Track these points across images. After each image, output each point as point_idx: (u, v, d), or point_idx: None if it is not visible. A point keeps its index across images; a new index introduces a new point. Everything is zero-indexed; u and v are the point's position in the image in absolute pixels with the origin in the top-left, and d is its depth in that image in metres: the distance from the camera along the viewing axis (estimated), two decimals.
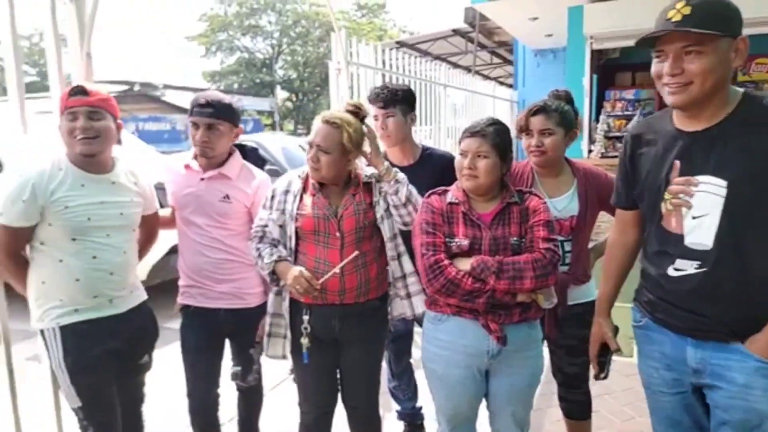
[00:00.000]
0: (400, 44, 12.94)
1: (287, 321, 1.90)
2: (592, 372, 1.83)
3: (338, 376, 2.00)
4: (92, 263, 1.79)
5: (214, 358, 2.17)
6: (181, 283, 2.15)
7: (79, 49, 2.15)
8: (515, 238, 1.71)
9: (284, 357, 1.94)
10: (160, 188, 2.15)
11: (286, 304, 1.91)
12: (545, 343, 1.96)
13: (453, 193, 1.79)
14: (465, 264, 1.67)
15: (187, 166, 2.12)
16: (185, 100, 24.78)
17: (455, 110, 6.75)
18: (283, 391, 2.89)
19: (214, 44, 30.66)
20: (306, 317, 1.86)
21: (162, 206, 2.18)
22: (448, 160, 2.41)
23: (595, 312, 1.75)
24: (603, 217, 2.13)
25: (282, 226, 1.90)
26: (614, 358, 1.78)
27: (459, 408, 1.79)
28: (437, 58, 11.64)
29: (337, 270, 1.80)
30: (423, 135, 5.74)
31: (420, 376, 2.67)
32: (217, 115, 2.01)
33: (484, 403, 1.84)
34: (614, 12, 6.91)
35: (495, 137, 1.72)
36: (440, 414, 1.83)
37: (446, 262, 1.67)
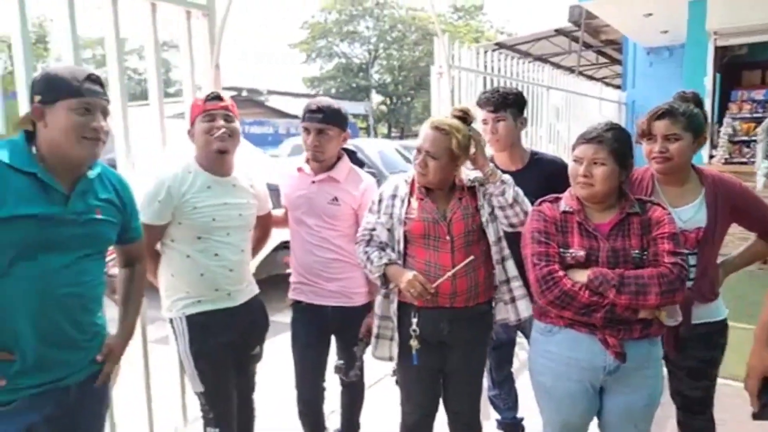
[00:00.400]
0: (499, 45, 12.70)
1: (395, 323, 1.93)
2: (717, 396, 1.67)
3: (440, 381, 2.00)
4: (214, 260, 1.93)
5: (321, 353, 2.26)
6: (292, 279, 2.27)
7: (209, 59, 2.34)
8: (637, 251, 1.61)
9: (391, 359, 1.97)
10: (273, 189, 2.28)
11: (394, 306, 1.93)
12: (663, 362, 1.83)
13: (566, 201, 1.72)
14: (581, 276, 1.60)
15: (299, 169, 2.23)
16: (287, 104, 26.10)
17: (558, 113, 6.49)
18: (383, 388, 2.94)
19: (314, 51, 31.92)
20: (415, 320, 1.87)
21: (275, 207, 2.31)
22: (559, 165, 2.33)
23: (754, 341, 1.54)
24: (733, 228, 1.95)
25: (390, 230, 1.93)
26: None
27: (569, 422, 1.72)
28: (538, 59, 11.29)
29: (451, 273, 1.80)
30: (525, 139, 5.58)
31: (521, 386, 2.63)
32: (326, 120, 2.10)
33: (594, 420, 1.76)
34: (741, 5, 6.30)
35: (613, 143, 1.63)
36: (549, 427, 1.78)
37: (561, 273, 1.61)
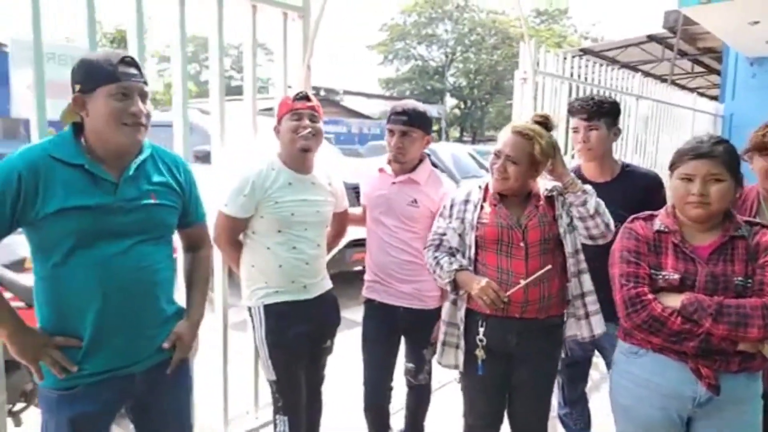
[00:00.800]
0: (584, 51, 12.25)
1: (461, 331, 1.90)
2: None
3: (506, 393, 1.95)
4: (293, 253, 1.99)
5: (390, 352, 2.28)
6: (366, 277, 2.30)
7: (301, 60, 2.42)
8: (740, 278, 1.49)
9: (456, 367, 1.94)
10: (348, 188, 2.32)
11: (461, 314, 1.90)
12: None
13: (661, 220, 1.62)
14: (673, 301, 1.50)
15: (381, 170, 2.26)
16: (361, 105, 26.52)
17: (646, 123, 6.17)
18: (449, 392, 2.93)
19: (391, 52, 32.24)
20: (482, 329, 1.84)
21: (352, 205, 2.36)
22: (652, 180, 2.23)
23: None
24: None
25: (461, 235, 1.90)
26: None
27: None
28: (626, 66, 10.78)
29: (525, 283, 1.75)
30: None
31: (594, 407, 2.53)
32: (410, 122, 2.12)
33: None
34: None
35: (726, 157, 1.52)
36: None
37: (650, 296, 1.52)
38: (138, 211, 1.46)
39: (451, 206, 1.96)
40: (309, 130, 1.95)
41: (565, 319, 1.92)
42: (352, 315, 2.41)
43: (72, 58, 1.81)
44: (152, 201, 1.49)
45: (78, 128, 1.44)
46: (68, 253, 1.37)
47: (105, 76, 1.38)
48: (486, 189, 1.92)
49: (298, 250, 2.00)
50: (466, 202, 1.92)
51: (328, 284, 2.16)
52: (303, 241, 2.01)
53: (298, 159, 2.00)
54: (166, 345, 1.54)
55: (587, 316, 1.87)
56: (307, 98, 2.00)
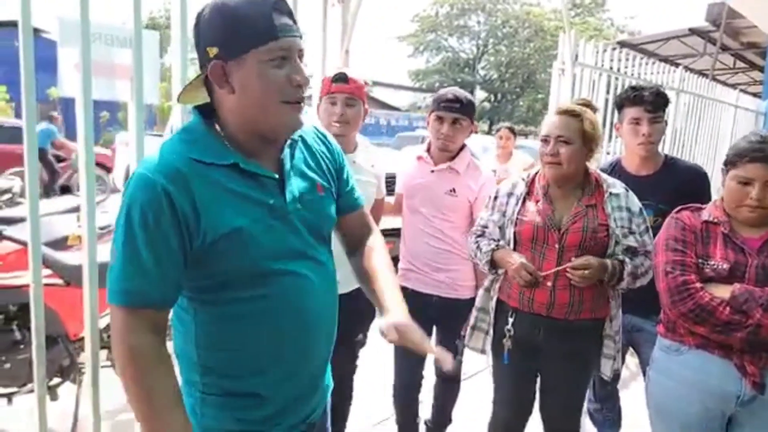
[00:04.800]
0: (622, 44, 11.94)
1: (491, 318, 1.91)
2: None
3: (536, 385, 1.94)
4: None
5: None
6: (401, 266, 2.30)
7: (340, 45, 2.43)
8: None
9: (483, 352, 1.94)
10: (390, 178, 2.31)
11: (492, 302, 1.90)
12: None
13: (710, 212, 1.59)
14: (723, 291, 1.47)
15: (419, 158, 2.25)
16: (390, 96, 26.47)
17: (686, 118, 6.01)
18: (478, 382, 2.92)
19: (422, 44, 32.00)
20: (511, 319, 1.83)
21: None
22: (695, 174, 2.17)
23: None
24: None
25: (501, 228, 1.87)
26: None
27: None
28: (665, 60, 10.49)
29: (561, 268, 1.70)
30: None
31: (625, 403, 2.49)
32: (462, 110, 2.09)
33: None
34: None
35: None
36: None
37: (698, 284, 1.49)
38: (313, 212, 1.12)
39: (495, 198, 1.93)
40: (339, 118, 1.91)
41: (604, 322, 1.81)
42: None
43: (117, 39, 1.84)
44: (320, 194, 1.15)
45: (203, 113, 1.08)
46: (254, 284, 1.02)
47: (259, 32, 0.97)
48: (532, 183, 1.88)
49: None
50: (510, 195, 1.88)
51: None
52: None
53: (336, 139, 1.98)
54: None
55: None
56: (345, 80, 1.96)
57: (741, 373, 1.47)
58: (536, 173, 1.89)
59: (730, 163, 1.55)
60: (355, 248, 1.34)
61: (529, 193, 1.86)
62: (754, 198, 1.47)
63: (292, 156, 1.12)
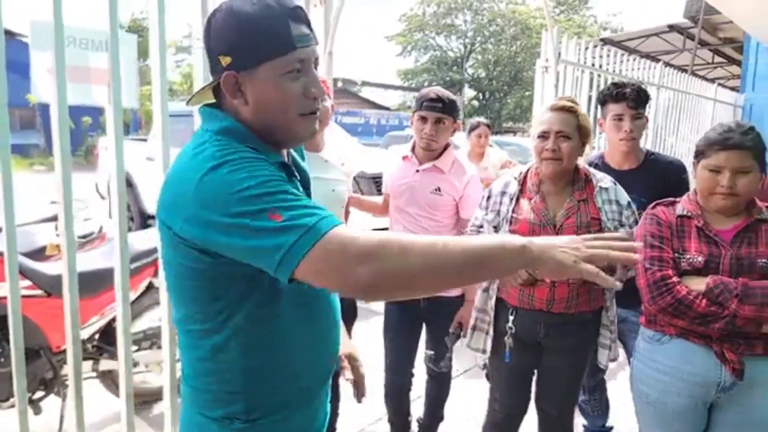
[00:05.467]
0: (605, 41, 12.04)
1: (491, 318, 1.91)
2: None
3: (533, 380, 1.96)
4: None
5: (411, 339, 2.29)
6: None
7: (323, 47, 2.42)
8: (764, 260, 1.49)
9: (484, 351, 1.94)
10: (368, 178, 2.30)
11: (492, 302, 1.90)
12: None
13: (684, 206, 1.62)
14: (698, 284, 1.50)
15: (405, 157, 2.25)
16: (379, 96, 26.48)
17: (667, 113, 6.08)
18: (469, 379, 2.93)
19: (410, 43, 32.04)
20: (511, 317, 1.84)
21: (375, 195, 2.35)
22: (676, 168, 2.20)
23: None
24: None
25: (496, 228, 1.87)
26: None
27: None
28: (646, 56, 10.60)
29: None
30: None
31: (612, 394, 2.51)
32: (445, 110, 2.10)
33: None
34: None
35: (755, 149, 1.51)
36: None
37: (675, 279, 1.52)
38: None
39: (489, 197, 1.93)
40: None
41: (600, 313, 1.85)
42: (373, 305, 2.41)
43: (93, 42, 1.81)
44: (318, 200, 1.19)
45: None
46: (298, 289, 0.95)
47: (276, 44, 0.93)
48: (524, 181, 1.89)
49: None
50: (503, 193, 1.89)
51: None
52: None
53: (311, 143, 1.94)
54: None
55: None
56: None
57: (721, 360, 1.50)
58: (527, 170, 1.90)
59: (700, 154, 1.58)
60: None
61: (521, 191, 1.87)
62: (725, 185, 1.50)
63: (301, 157, 1.15)
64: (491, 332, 1.91)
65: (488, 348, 1.92)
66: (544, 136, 1.78)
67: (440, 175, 2.16)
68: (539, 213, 1.79)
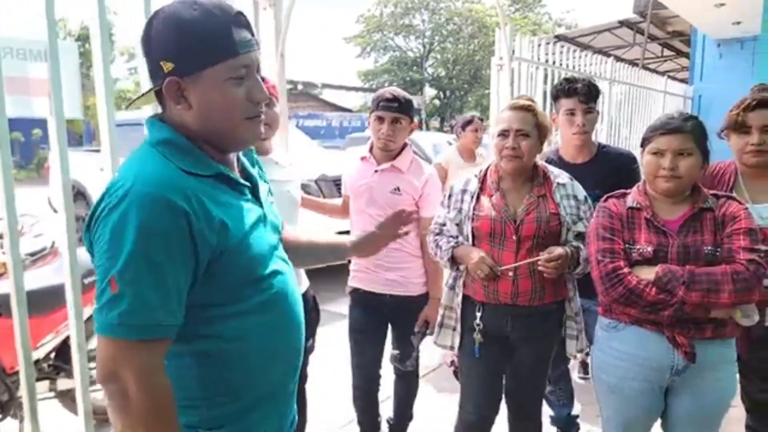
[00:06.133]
0: (559, 38, 12.34)
1: (458, 315, 1.92)
2: None
3: (503, 380, 1.97)
4: None
5: (377, 340, 2.29)
6: (352, 267, 2.30)
7: (274, 49, 2.40)
8: (709, 248, 1.54)
9: (452, 348, 1.96)
10: (329, 180, 2.29)
11: (458, 299, 1.92)
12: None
13: (634, 197, 1.67)
14: (648, 273, 1.54)
15: (363, 158, 2.25)
16: (340, 98, 26.41)
17: (620, 107, 6.27)
18: (437, 378, 2.94)
19: (369, 44, 32.05)
20: (479, 314, 1.85)
21: (335, 197, 2.34)
22: (626, 159, 2.27)
23: None
24: None
25: (459, 225, 1.90)
26: None
27: (631, 423, 1.67)
28: (599, 51, 10.90)
29: (522, 263, 1.76)
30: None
31: (576, 383, 2.57)
32: (401, 109, 2.11)
33: (658, 421, 1.70)
34: None
35: (695, 132, 1.57)
36: (609, 425, 1.73)
37: (626, 269, 1.56)
38: (273, 213, 1.13)
39: (450, 196, 1.95)
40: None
41: (564, 304, 1.89)
42: (337, 307, 2.40)
43: (31, 53, 1.74)
44: (271, 198, 1.16)
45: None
46: (254, 292, 1.00)
47: (218, 49, 0.93)
48: (484, 179, 1.92)
49: None
50: (464, 191, 1.91)
51: (305, 282, 2.10)
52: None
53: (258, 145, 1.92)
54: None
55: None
56: (261, 80, 1.90)
57: (673, 345, 1.55)
58: (487, 168, 1.93)
59: (645, 140, 1.64)
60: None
61: (482, 188, 1.90)
62: (667, 167, 1.55)
63: (252, 163, 1.14)
64: (458, 329, 1.92)
65: (456, 344, 1.93)
66: (504, 134, 1.82)
67: (399, 175, 2.17)
68: (500, 209, 1.82)
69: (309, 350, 2.16)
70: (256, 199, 1.08)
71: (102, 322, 0.88)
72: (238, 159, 1.11)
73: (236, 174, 1.05)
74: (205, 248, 0.92)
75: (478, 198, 1.88)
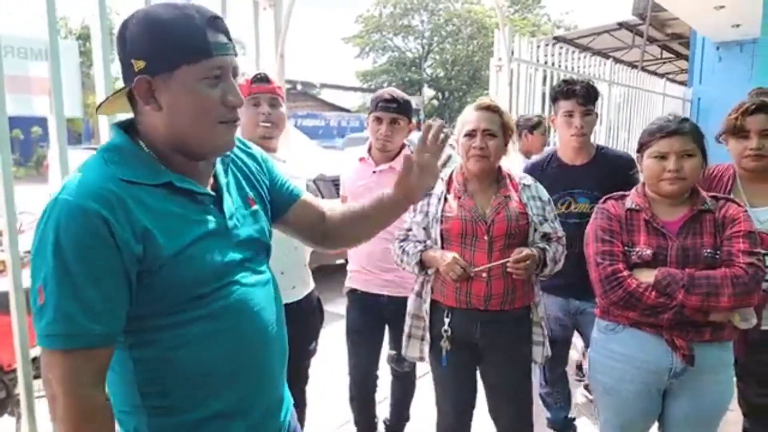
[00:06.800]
0: (558, 39, 12.35)
1: (426, 323, 1.88)
2: None
3: (476, 378, 1.94)
4: (278, 236, 1.87)
5: (375, 341, 2.29)
6: (349, 268, 2.30)
7: (274, 49, 2.40)
8: (709, 250, 1.54)
9: (421, 359, 1.92)
10: (327, 180, 2.28)
11: (426, 306, 1.88)
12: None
13: (633, 199, 1.66)
14: (647, 276, 1.54)
15: (361, 159, 2.25)
16: (339, 98, 26.42)
17: (618, 109, 6.28)
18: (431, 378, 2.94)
19: (368, 45, 32.06)
20: (447, 319, 1.82)
21: (333, 197, 2.35)
22: (626, 160, 2.27)
23: None
24: None
25: (426, 228, 1.87)
26: None
27: (628, 425, 1.68)
28: (598, 53, 10.93)
29: (496, 264, 1.75)
30: None
31: (573, 385, 2.58)
32: (399, 110, 2.11)
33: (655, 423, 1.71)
34: None
35: (695, 134, 1.58)
36: (607, 428, 1.73)
37: (625, 273, 1.56)
38: (248, 226, 1.08)
39: None
40: (266, 123, 1.84)
41: (531, 309, 1.87)
42: (334, 308, 2.40)
43: (32, 51, 1.74)
44: (252, 207, 1.11)
45: (125, 127, 1.00)
46: (196, 306, 0.97)
47: (191, 49, 0.92)
48: (449, 181, 1.90)
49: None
50: (429, 195, 1.88)
51: (311, 284, 2.08)
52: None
53: (263, 142, 1.89)
54: None
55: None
56: (265, 80, 1.88)
57: (671, 347, 1.55)
58: (452, 172, 1.92)
59: (644, 145, 1.64)
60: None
61: (447, 191, 1.89)
62: (672, 169, 1.55)
63: (226, 171, 1.09)
64: (427, 337, 1.88)
65: (425, 354, 1.89)
66: (471, 134, 1.82)
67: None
68: (470, 210, 1.81)
69: (311, 353, 2.13)
70: (219, 209, 1.03)
71: (37, 331, 0.90)
72: (221, 167, 1.08)
73: (194, 183, 1.00)
74: (131, 257, 0.90)
75: (444, 200, 1.86)
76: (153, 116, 0.96)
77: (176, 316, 0.96)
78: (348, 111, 25.96)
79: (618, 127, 6.36)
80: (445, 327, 1.82)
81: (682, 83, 11.40)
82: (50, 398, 0.91)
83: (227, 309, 1.00)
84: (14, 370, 2.28)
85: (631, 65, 8.65)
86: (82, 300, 0.87)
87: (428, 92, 33.08)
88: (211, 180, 1.06)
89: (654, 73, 12.76)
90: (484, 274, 1.76)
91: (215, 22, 0.95)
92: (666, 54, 14.24)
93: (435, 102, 33.11)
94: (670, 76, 14.25)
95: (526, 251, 1.74)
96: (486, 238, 1.78)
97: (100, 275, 0.88)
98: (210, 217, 1.01)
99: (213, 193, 1.03)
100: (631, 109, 6.72)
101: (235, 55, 1.00)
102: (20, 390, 1.77)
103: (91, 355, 0.90)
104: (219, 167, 1.08)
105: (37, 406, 1.80)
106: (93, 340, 0.89)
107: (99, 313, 0.89)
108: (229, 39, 0.98)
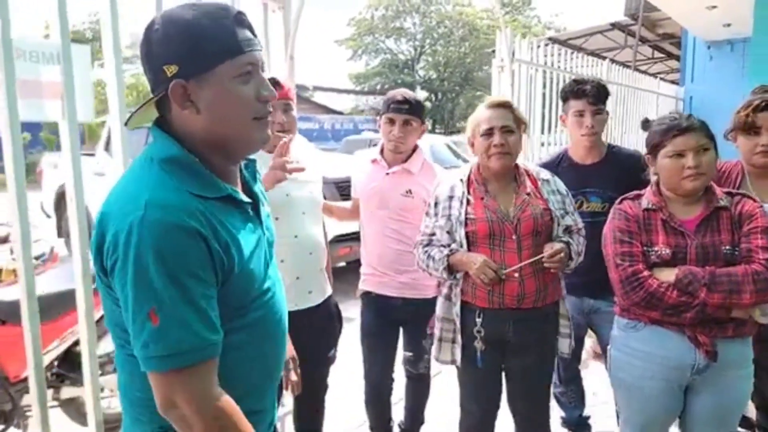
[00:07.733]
0: (552, 40, 12.42)
1: (457, 325, 1.86)
2: None
3: (503, 376, 1.94)
4: (295, 241, 1.82)
5: (389, 344, 2.28)
6: (363, 270, 2.29)
7: (283, 51, 2.38)
8: (728, 247, 1.55)
9: (453, 362, 1.90)
10: (327, 183, 2.24)
11: (456, 308, 1.86)
12: None
13: (648, 198, 1.66)
14: (668, 275, 1.54)
15: (373, 161, 2.24)
16: (332, 101, 26.35)
17: (613, 108, 6.33)
18: (447, 379, 2.91)
19: (360, 47, 32.06)
20: (479, 320, 1.81)
21: (340, 200, 2.33)
22: (636, 159, 2.26)
23: None
24: None
25: (450, 232, 1.85)
26: None
27: (651, 422, 1.68)
28: (591, 53, 10.99)
29: (526, 263, 1.73)
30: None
31: (585, 384, 2.57)
32: (412, 111, 2.10)
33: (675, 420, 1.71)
34: None
35: (706, 128, 1.59)
36: (628, 426, 1.73)
37: (646, 273, 1.56)
38: (270, 231, 1.11)
39: (436, 204, 1.90)
40: (281, 132, 1.81)
41: (559, 304, 1.89)
42: (347, 311, 2.38)
43: (44, 55, 1.71)
44: (268, 210, 1.13)
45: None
46: (238, 315, 0.99)
47: (223, 48, 0.91)
48: (469, 182, 1.88)
49: (301, 238, 1.83)
50: (451, 197, 1.87)
51: (329, 289, 2.04)
52: (304, 226, 1.85)
53: (273, 150, 1.86)
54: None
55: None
56: (278, 84, 1.82)
57: (694, 344, 1.55)
58: (469, 172, 1.90)
59: (656, 146, 1.62)
60: None
61: (469, 192, 1.87)
62: (692, 165, 1.54)
63: (254, 177, 1.10)
64: (459, 340, 1.86)
65: (457, 358, 1.87)
66: (489, 133, 1.80)
67: (410, 177, 2.16)
68: (495, 211, 1.80)
69: (330, 360, 2.09)
70: (257, 215, 1.06)
71: (149, 356, 0.87)
72: (241, 171, 1.08)
73: (240, 192, 1.02)
74: (222, 271, 0.92)
75: (468, 202, 1.84)
76: (190, 120, 0.94)
77: (235, 322, 0.97)
78: (341, 113, 25.91)
79: (612, 126, 6.39)
80: (478, 328, 1.81)
81: (673, 82, 11.50)
82: (178, 419, 0.89)
83: (263, 318, 1.03)
84: (20, 382, 2.25)
85: (624, 65, 8.70)
86: (202, 313, 0.88)
87: (421, 94, 33.09)
88: (240, 183, 1.07)
89: (645, 72, 12.87)
90: (516, 275, 1.75)
91: (240, 18, 0.95)
92: (657, 54, 14.37)
93: (428, 104, 33.15)
94: (661, 76, 14.36)
95: (557, 245, 1.74)
96: (514, 237, 1.77)
97: (207, 283, 0.90)
98: (256, 228, 1.03)
99: (250, 200, 1.04)
100: (626, 108, 6.77)
101: (261, 49, 0.99)
102: (32, 400, 1.74)
103: (213, 365, 0.91)
104: (245, 173, 1.08)
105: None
106: (216, 351, 0.91)
107: (214, 323, 0.90)
108: (254, 34, 0.98)
